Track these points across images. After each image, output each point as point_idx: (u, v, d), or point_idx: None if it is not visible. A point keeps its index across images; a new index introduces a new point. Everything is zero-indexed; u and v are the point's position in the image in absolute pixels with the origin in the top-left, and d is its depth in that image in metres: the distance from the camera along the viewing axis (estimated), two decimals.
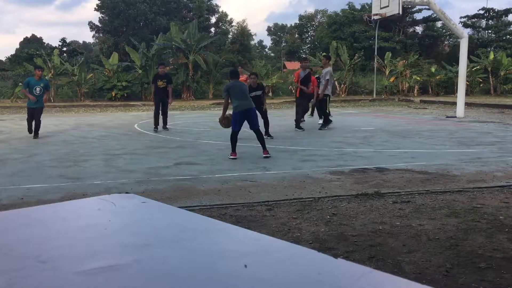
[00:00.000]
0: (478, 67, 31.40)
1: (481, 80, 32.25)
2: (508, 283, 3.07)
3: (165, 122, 12.47)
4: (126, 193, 2.36)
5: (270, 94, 29.77)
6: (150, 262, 0.97)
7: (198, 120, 14.33)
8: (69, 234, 1.16)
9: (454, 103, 17.74)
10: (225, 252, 1.05)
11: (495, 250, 3.65)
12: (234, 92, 8.01)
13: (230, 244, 1.11)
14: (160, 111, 12.30)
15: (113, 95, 26.87)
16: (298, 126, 12.29)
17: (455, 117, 15.69)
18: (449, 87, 31.51)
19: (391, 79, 30.59)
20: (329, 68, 12.68)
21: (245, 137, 10.90)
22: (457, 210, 4.76)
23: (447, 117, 15.96)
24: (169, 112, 12.97)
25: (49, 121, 15.99)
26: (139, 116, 17.47)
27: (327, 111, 12.57)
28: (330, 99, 12.90)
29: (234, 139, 8.02)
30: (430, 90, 31.66)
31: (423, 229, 4.15)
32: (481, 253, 3.58)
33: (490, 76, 32.00)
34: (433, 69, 31.63)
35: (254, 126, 8.06)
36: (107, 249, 1.07)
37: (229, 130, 8.33)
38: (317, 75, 13.47)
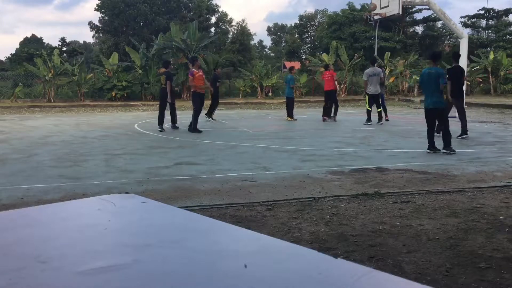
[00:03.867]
0: (478, 67, 31.39)
1: (481, 80, 32.24)
2: (508, 283, 3.07)
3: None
4: (126, 193, 2.36)
5: (270, 94, 29.78)
6: (150, 262, 0.97)
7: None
8: (69, 234, 1.16)
9: None
10: (225, 252, 1.05)
11: (495, 250, 3.65)
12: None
13: (230, 244, 1.10)
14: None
15: (113, 95, 26.88)
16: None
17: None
18: None
19: (391, 79, 30.59)
20: (368, 69, 13.79)
21: (245, 137, 10.90)
22: (457, 210, 4.76)
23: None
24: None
25: (49, 121, 16.00)
26: (139, 116, 17.46)
27: (368, 108, 13.62)
28: (376, 98, 13.79)
29: None
30: None
31: (423, 229, 4.15)
32: (481, 253, 3.58)
33: (490, 76, 31.98)
34: None
35: None
36: (107, 249, 1.07)
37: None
38: None
